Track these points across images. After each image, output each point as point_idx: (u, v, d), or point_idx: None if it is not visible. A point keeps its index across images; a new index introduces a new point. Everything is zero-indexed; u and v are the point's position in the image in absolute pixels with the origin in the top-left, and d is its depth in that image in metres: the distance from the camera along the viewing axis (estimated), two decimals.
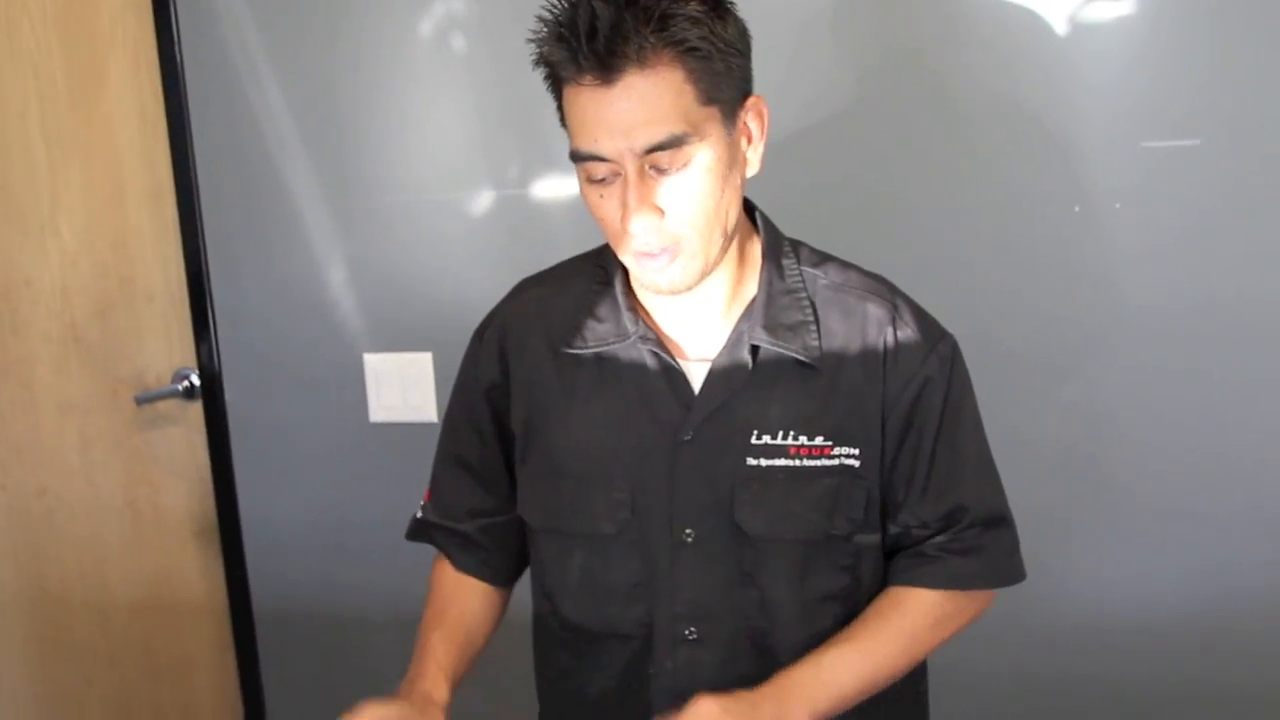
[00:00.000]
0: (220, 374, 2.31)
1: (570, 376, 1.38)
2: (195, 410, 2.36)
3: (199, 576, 2.44)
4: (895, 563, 1.41)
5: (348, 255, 2.19)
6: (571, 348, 1.37)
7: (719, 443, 1.33)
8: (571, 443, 1.38)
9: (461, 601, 1.48)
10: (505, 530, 1.49)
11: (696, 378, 1.34)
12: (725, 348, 1.33)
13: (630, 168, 1.20)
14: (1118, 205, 1.89)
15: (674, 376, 1.34)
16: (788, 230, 1.41)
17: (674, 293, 1.28)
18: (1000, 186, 1.92)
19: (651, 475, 1.35)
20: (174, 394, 2.36)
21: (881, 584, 1.42)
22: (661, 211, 1.22)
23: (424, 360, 2.18)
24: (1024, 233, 1.93)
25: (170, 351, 2.35)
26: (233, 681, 2.44)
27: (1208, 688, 2.02)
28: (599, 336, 1.36)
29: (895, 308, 1.36)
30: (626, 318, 1.35)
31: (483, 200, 2.12)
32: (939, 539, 1.38)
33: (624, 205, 1.22)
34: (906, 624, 1.37)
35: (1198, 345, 1.91)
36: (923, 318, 1.38)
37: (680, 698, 1.28)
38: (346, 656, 2.33)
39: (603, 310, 1.37)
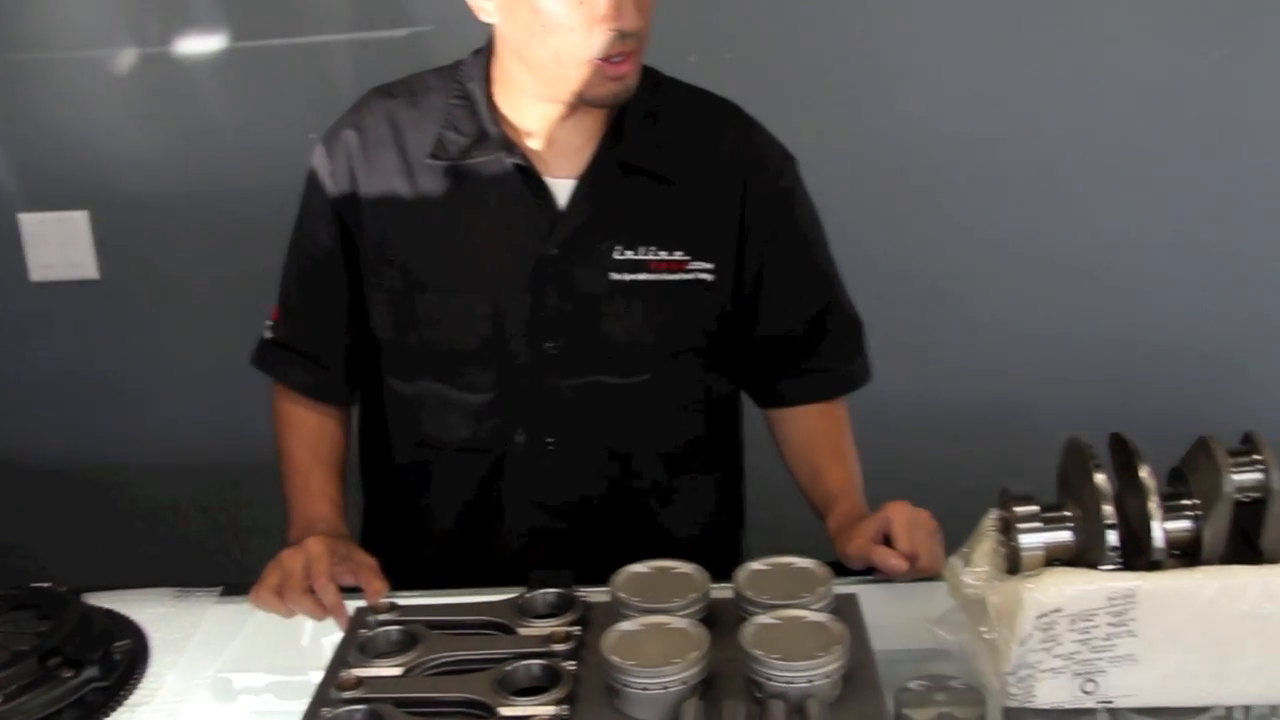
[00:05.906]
0: None
1: (426, 190, 1.38)
2: None
3: None
4: (779, 387, 1.49)
5: None
6: (433, 158, 1.37)
7: (583, 257, 1.37)
8: (430, 258, 1.39)
9: (331, 433, 1.48)
10: (352, 351, 1.48)
11: (560, 193, 1.38)
12: (590, 164, 1.37)
13: None
14: None
15: (539, 190, 1.37)
16: None
17: (620, 98, 1.31)
18: None
19: (515, 289, 1.37)
20: None
21: (731, 399, 1.52)
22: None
23: (79, 218, 2.22)
24: None
25: None
26: None
27: None
28: (461, 148, 1.37)
29: (748, 126, 1.45)
30: (491, 131, 1.37)
31: (125, 58, 2.16)
32: (820, 348, 1.48)
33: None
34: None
35: None
36: (771, 138, 1.46)
37: (534, 507, 1.41)
38: (40, 503, 2.41)
39: (463, 124, 1.38)
